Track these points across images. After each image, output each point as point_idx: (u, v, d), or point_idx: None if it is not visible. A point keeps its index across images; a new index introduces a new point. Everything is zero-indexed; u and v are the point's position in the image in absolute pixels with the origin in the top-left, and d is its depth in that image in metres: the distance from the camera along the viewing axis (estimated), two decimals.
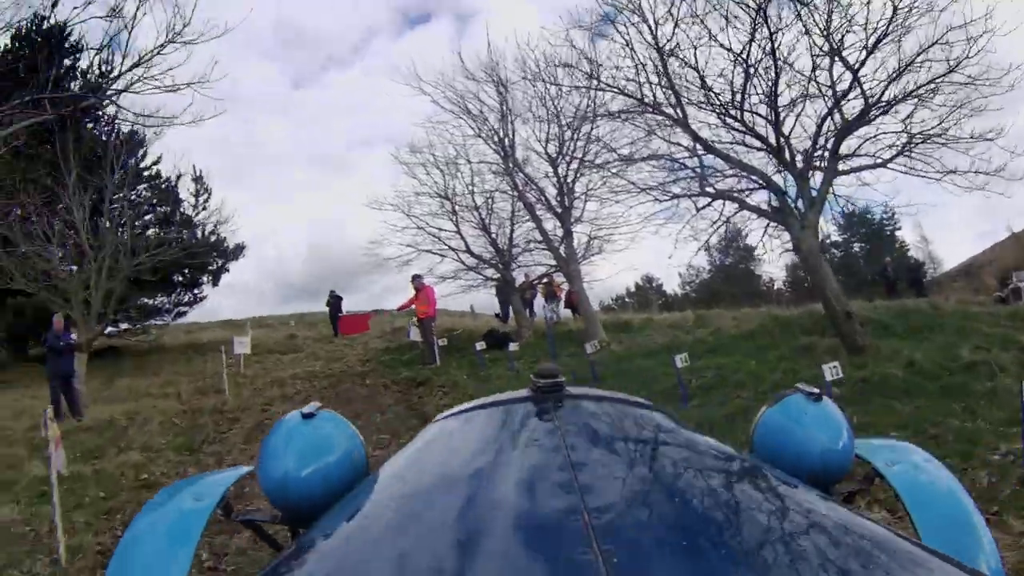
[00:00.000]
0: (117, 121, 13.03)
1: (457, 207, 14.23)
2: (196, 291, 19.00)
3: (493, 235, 14.32)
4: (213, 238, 17.87)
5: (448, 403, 7.49)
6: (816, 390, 1.40)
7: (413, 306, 12.72)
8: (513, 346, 10.75)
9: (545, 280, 15.54)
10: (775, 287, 32.79)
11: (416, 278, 12.59)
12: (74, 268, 10.74)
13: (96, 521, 5.15)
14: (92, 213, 11.32)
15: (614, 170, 10.20)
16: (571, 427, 0.98)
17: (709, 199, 9.16)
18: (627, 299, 33.35)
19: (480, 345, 11.24)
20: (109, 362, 15.34)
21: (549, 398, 1.18)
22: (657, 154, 9.65)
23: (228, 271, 19.27)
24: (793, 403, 1.40)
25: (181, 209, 17.32)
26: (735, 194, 9.07)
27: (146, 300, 16.78)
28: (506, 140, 13.10)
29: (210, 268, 18.64)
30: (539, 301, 16.38)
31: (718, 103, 8.57)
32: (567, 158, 12.68)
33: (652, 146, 9.81)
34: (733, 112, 8.53)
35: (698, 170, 9.33)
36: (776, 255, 12.52)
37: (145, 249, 11.77)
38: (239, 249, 19.07)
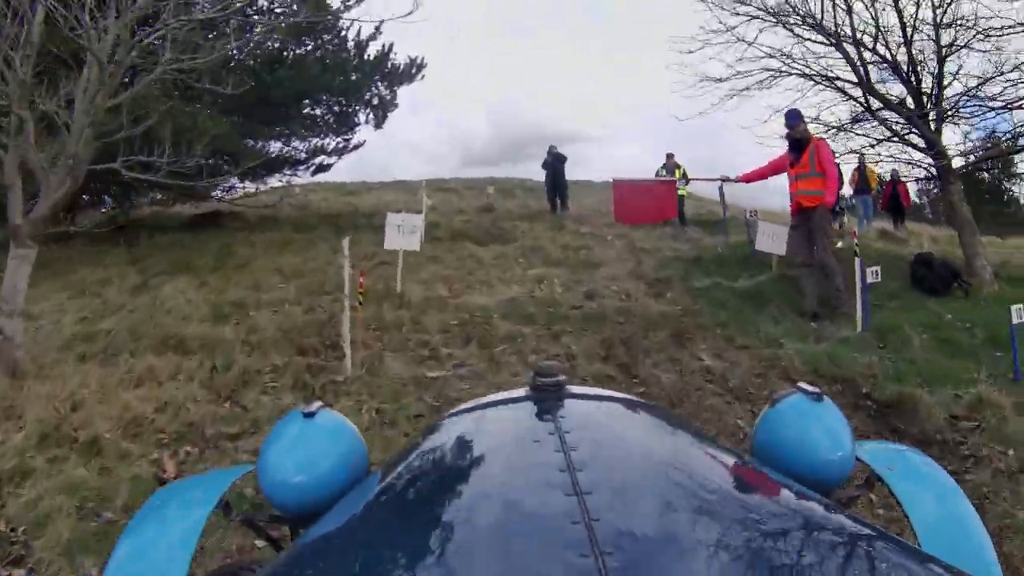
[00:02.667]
0: None
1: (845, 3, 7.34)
2: (348, 134, 11.82)
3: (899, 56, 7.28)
4: (371, 51, 10.71)
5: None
6: (817, 390, 1.36)
7: (773, 177, 6.54)
8: None
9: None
10: None
11: (795, 119, 6.26)
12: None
13: None
14: None
15: None
16: (571, 427, 1.00)
17: None
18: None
19: (1019, 313, 4.82)
20: (203, 235, 9.37)
21: (549, 397, 1.16)
22: None
23: (397, 106, 11.67)
24: (793, 403, 1.36)
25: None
26: None
27: (250, 141, 10.16)
28: None
29: (368, 99, 11.21)
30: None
31: None
32: None
33: None
34: None
35: None
36: None
37: (193, 50, 5.08)
38: (415, 67, 11.33)
